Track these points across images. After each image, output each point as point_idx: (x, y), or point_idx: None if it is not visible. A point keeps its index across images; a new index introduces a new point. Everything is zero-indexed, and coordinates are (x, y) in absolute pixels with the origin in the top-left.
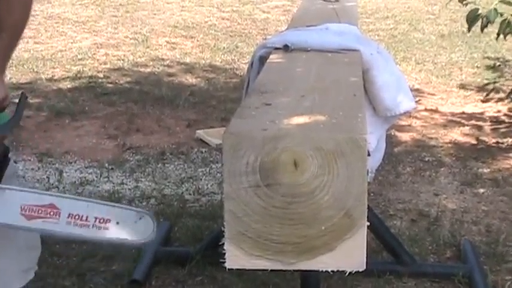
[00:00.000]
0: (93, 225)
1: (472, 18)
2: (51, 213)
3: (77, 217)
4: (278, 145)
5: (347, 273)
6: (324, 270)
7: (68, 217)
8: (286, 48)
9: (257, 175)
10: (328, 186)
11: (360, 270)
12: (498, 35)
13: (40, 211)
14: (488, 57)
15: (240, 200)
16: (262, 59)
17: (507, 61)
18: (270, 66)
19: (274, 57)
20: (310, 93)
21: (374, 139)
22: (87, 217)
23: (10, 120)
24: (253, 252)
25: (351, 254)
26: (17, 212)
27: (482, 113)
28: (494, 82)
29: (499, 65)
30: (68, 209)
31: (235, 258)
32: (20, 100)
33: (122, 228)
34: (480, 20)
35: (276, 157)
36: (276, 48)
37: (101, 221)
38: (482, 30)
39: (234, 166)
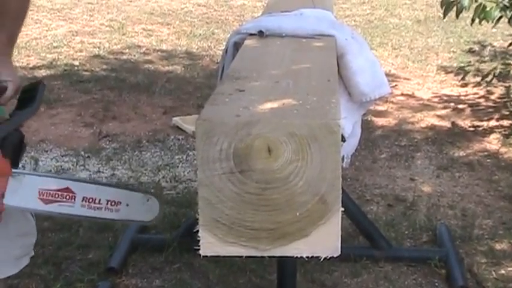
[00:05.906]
0: (105, 208)
1: (445, 4)
2: (67, 197)
3: (90, 200)
4: (251, 131)
5: (322, 259)
6: (299, 256)
7: (83, 200)
8: (260, 34)
9: (231, 162)
10: (302, 172)
11: (335, 256)
12: (473, 20)
13: (57, 195)
14: (467, 41)
15: (213, 187)
16: (237, 45)
17: (484, 45)
18: (244, 52)
19: (248, 43)
20: (284, 78)
21: (349, 124)
22: (99, 200)
23: (30, 108)
24: (228, 239)
25: (325, 240)
26: (35, 196)
27: (458, 97)
28: (468, 65)
29: (474, 51)
30: (82, 192)
31: (209, 245)
32: (39, 88)
33: (131, 210)
34: (455, 5)
35: (250, 143)
36: (251, 34)
37: (113, 203)
38: (457, 16)
39: (208, 153)
